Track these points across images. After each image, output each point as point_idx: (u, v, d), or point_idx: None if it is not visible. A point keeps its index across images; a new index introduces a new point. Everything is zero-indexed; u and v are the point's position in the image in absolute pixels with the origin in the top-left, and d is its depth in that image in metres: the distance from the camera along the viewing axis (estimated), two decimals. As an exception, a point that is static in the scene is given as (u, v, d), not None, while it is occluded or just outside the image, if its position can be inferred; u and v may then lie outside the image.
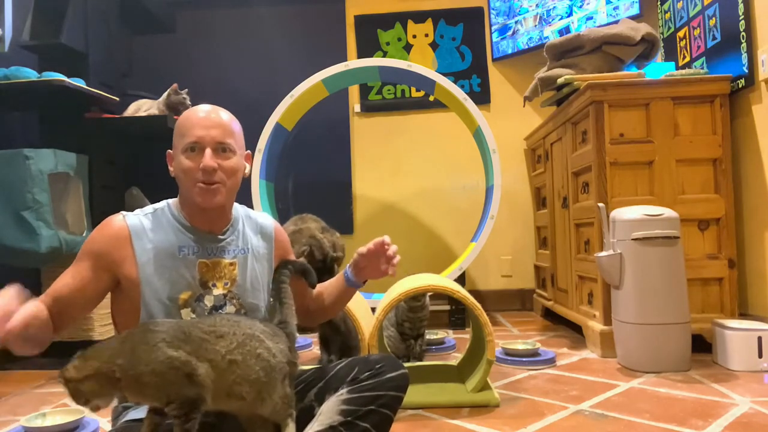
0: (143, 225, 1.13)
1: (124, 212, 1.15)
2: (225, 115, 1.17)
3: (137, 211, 1.17)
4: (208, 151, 1.11)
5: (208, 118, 1.14)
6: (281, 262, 1.25)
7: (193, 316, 1.10)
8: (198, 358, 0.93)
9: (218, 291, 1.14)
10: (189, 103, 2.77)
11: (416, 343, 2.24)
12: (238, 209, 1.25)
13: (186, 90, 2.78)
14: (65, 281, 1.10)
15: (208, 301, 1.13)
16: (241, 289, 1.17)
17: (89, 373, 0.90)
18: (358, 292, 2.26)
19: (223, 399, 0.97)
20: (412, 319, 2.21)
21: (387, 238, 1.25)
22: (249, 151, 1.25)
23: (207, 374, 0.93)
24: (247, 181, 2.97)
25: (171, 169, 1.18)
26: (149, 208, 1.18)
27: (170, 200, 1.21)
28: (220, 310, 1.14)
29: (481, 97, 3.65)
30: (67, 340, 2.40)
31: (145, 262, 1.10)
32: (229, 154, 1.15)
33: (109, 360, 0.90)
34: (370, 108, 3.76)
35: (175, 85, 2.75)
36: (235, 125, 1.19)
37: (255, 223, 1.27)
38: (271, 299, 1.21)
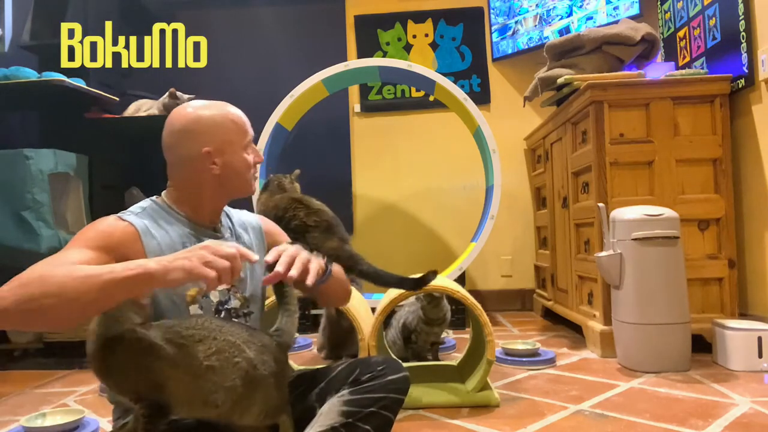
0: (144, 223, 1.11)
1: (116, 215, 1.11)
2: None
3: (124, 212, 1.12)
4: (256, 146, 1.23)
5: (243, 114, 1.22)
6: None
7: (200, 311, 1.10)
8: (176, 364, 0.92)
9: (221, 286, 1.12)
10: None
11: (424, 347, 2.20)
12: None
13: (188, 96, 2.75)
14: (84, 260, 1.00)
15: (214, 297, 1.13)
16: (242, 282, 1.18)
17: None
18: (357, 292, 2.27)
19: (198, 406, 0.95)
20: (427, 332, 2.13)
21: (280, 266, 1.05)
22: None
23: (176, 386, 0.92)
24: (247, 181, 2.98)
25: (214, 167, 1.14)
26: (136, 207, 1.14)
27: (155, 197, 1.18)
28: (226, 305, 1.14)
29: (481, 97, 3.65)
30: (67, 339, 2.41)
31: None
32: None
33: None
34: (370, 108, 3.76)
35: (172, 90, 2.74)
36: None
37: (238, 219, 1.28)
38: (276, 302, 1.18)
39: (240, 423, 0.98)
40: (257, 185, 1.25)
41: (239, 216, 1.29)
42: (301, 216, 1.60)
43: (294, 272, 1.04)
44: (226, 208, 1.28)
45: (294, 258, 1.06)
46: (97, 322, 0.91)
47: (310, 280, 1.07)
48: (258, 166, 1.23)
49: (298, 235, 1.52)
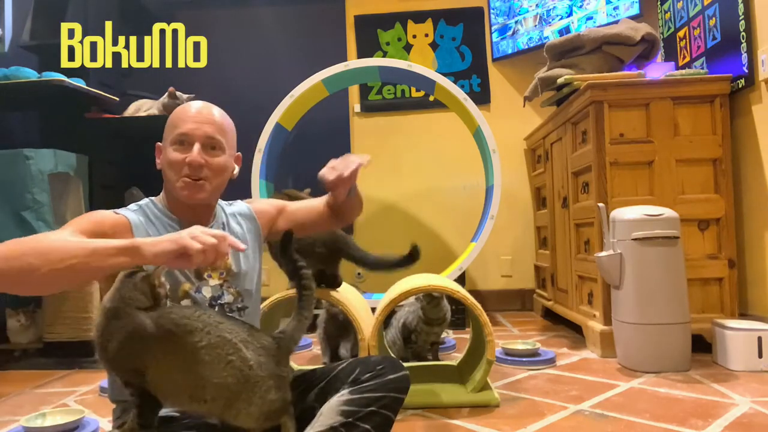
0: (139, 218, 1.13)
1: (111, 210, 1.13)
2: (218, 113, 1.19)
3: (120, 209, 1.15)
4: (196, 146, 1.13)
5: (200, 113, 1.16)
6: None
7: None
8: (163, 350, 0.93)
9: (214, 281, 1.16)
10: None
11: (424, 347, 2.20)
12: (218, 203, 1.28)
13: (187, 96, 2.76)
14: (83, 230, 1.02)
15: (206, 292, 1.14)
16: (235, 277, 1.20)
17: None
18: (357, 292, 2.27)
19: (185, 399, 0.95)
20: (427, 332, 2.13)
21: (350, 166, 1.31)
22: (240, 153, 1.26)
23: (158, 373, 0.94)
24: (247, 181, 2.99)
25: (158, 161, 1.19)
26: (133, 205, 1.18)
27: (153, 197, 1.21)
28: (219, 300, 1.15)
29: (481, 97, 3.65)
30: (66, 340, 2.41)
31: None
32: (218, 151, 1.16)
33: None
34: (370, 108, 3.76)
35: (171, 89, 2.74)
36: (228, 124, 1.21)
37: (232, 213, 1.29)
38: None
39: (236, 423, 0.97)
40: (203, 194, 1.14)
41: (232, 209, 1.30)
42: None
43: (348, 171, 1.27)
44: (222, 204, 1.28)
45: (341, 162, 1.25)
46: (107, 297, 0.95)
47: (364, 161, 1.31)
48: (196, 169, 1.12)
49: None
